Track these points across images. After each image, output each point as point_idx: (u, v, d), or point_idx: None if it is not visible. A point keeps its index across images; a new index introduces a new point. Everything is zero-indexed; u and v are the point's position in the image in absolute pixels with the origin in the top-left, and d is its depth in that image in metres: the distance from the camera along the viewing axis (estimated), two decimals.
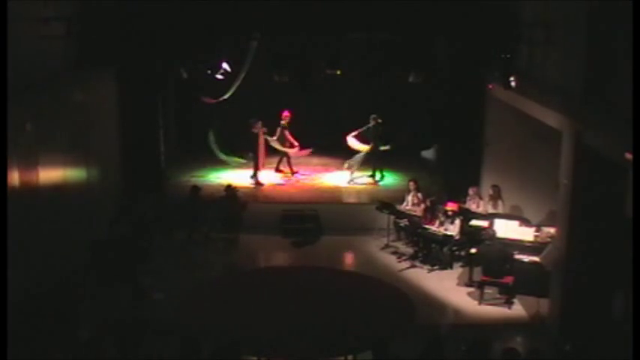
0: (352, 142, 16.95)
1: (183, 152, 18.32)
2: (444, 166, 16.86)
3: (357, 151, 16.89)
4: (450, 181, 15.62)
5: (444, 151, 17.56)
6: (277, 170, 17.31)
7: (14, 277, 8.36)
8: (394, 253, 14.04)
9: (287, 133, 16.97)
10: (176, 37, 12.89)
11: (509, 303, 11.65)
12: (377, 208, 14.48)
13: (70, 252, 11.40)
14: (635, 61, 7.75)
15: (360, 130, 16.70)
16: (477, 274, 12.12)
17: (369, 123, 16.52)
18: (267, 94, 17.07)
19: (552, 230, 11.87)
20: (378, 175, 16.98)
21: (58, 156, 11.48)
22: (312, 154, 18.03)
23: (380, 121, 16.50)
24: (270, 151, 17.07)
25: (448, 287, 12.46)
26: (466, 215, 13.48)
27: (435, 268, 13.23)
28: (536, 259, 11.77)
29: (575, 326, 10.07)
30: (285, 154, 17.17)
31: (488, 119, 15.05)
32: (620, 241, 9.21)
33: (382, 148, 16.62)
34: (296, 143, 17.12)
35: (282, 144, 16.97)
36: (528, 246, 12.17)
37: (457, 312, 11.65)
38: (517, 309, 11.61)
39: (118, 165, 15.10)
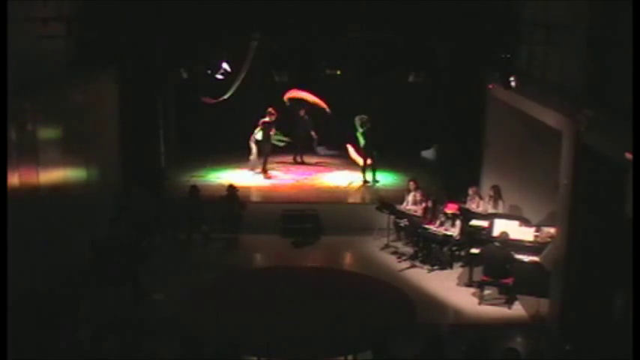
0: (350, 150, 17.14)
1: (183, 152, 18.33)
2: (444, 166, 16.87)
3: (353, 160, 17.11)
4: (450, 181, 15.63)
5: (444, 151, 17.57)
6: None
7: (14, 277, 8.36)
8: (394, 253, 14.04)
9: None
10: (176, 37, 12.90)
11: (509, 303, 11.66)
12: (377, 208, 14.47)
13: (70, 252, 11.39)
14: (635, 61, 7.76)
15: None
16: (477, 274, 12.12)
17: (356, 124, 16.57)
18: (267, 94, 17.13)
19: (552, 230, 11.87)
20: (370, 177, 16.86)
21: (58, 156, 11.47)
22: (312, 154, 18.21)
23: (367, 123, 16.44)
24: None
25: (448, 287, 12.46)
26: (466, 215, 13.48)
27: (435, 268, 13.23)
28: (536, 259, 11.77)
29: (575, 326, 10.06)
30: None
31: (488, 119, 15.05)
32: (620, 241, 9.21)
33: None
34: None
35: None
36: (528, 246, 12.16)
37: (457, 312, 11.65)
38: (517, 309, 11.61)
39: (118, 165, 15.10)
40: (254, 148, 16.98)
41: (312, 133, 17.86)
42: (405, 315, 11.47)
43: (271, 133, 16.83)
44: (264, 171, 17.12)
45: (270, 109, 16.73)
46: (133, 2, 12.56)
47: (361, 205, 15.56)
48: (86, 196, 12.67)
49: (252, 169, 17.09)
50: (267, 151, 17.03)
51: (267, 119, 16.67)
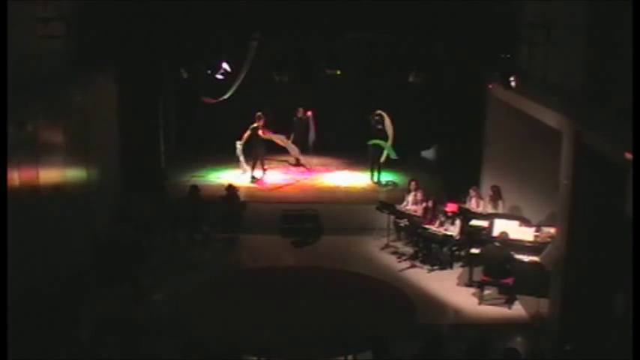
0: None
1: (183, 152, 18.33)
2: (444, 166, 16.87)
3: None
4: (450, 181, 15.63)
5: (444, 151, 17.57)
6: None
7: (14, 277, 8.36)
8: (394, 253, 14.04)
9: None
10: (176, 36, 12.89)
11: (509, 303, 11.65)
12: (377, 208, 14.48)
13: (70, 252, 11.40)
14: (636, 61, 7.75)
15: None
16: (477, 274, 12.12)
17: (371, 122, 16.57)
18: (267, 94, 17.13)
19: (552, 230, 11.87)
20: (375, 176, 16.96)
21: (58, 156, 11.47)
22: (313, 154, 18.17)
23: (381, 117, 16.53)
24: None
25: (448, 287, 12.46)
26: (466, 215, 13.49)
27: (435, 268, 13.23)
28: (536, 259, 11.77)
29: (575, 326, 10.07)
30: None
31: (488, 119, 15.05)
32: (620, 241, 9.21)
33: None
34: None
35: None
36: (528, 246, 12.15)
37: (457, 312, 11.66)
38: (517, 309, 11.62)
39: (118, 165, 15.11)
40: (239, 150, 16.92)
41: (311, 123, 17.70)
42: (405, 315, 11.47)
43: (261, 135, 16.78)
44: (263, 171, 17.11)
45: (258, 114, 16.74)
46: (133, 2, 12.56)
47: (361, 205, 15.55)
48: (86, 197, 12.67)
49: (245, 170, 17.08)
50: (262, 154, 16.99)
51: (255, 124, 16.66)
